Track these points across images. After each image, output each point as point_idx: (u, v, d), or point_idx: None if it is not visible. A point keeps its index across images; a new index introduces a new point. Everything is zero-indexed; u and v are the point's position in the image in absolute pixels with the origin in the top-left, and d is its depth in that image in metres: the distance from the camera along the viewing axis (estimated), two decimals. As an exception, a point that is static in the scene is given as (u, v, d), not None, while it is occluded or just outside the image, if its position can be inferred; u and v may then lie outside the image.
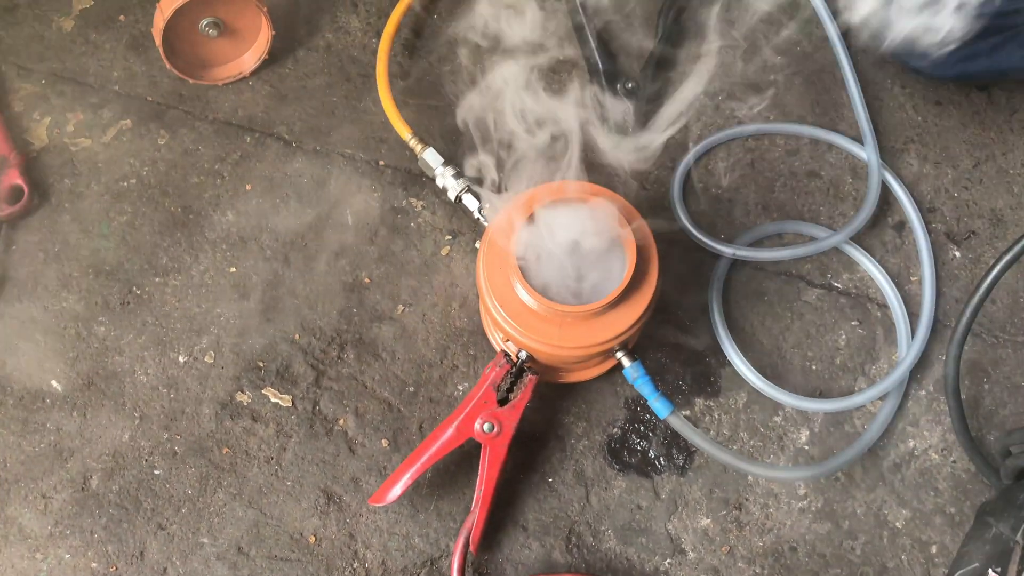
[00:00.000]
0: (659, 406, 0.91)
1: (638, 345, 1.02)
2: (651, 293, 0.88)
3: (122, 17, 1.19)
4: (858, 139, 1.13)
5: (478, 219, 1.02)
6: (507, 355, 0.93)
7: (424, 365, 1.02)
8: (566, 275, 0.89)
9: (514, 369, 0.92)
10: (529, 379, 0.92)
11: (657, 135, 1.02)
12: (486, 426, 0.91)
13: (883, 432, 0.99)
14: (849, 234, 1.05)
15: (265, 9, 1.10)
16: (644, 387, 0.91)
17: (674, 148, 1.14)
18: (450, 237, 1.08)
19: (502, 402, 0.92)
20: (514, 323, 0.88)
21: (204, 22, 1.10)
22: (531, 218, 0.88)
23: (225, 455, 0.98)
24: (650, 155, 1.03)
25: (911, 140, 1.15)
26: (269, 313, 1.04)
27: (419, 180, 1.11)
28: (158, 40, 1.07)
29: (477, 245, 1.07)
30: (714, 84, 1.17)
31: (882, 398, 1.01)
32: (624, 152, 1.01)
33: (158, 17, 1.07)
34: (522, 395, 0.92)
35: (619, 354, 0.91)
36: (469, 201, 1.03)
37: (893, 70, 1.19)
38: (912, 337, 1.03)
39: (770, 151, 1.14)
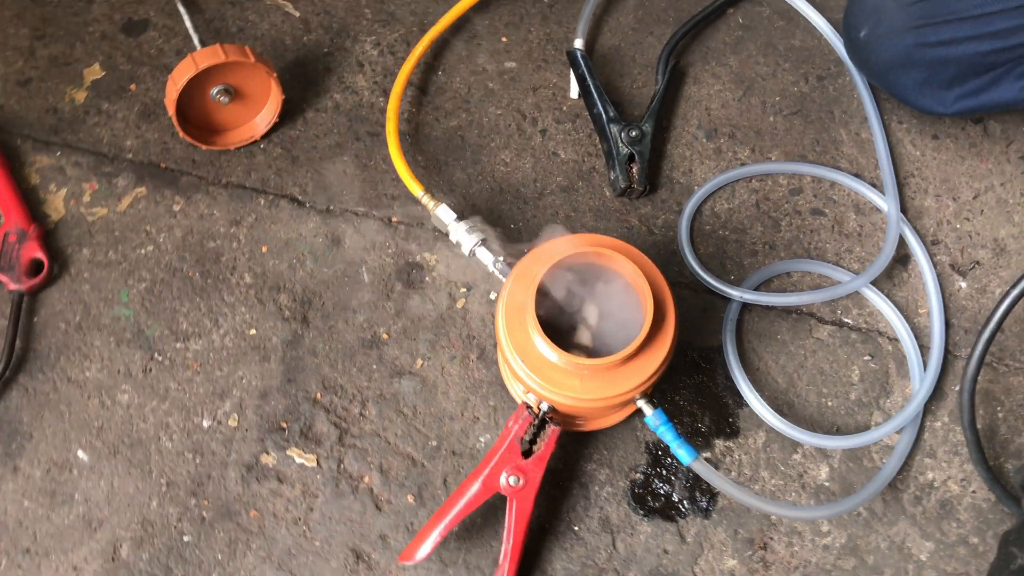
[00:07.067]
0: (682, 453, 0.92)
1: (656, 388, 1.03)
2: (669, 342, 0.89)
3: (133, 86, 1.22)
4: (857, 175, 1.16)
5: (492, 272, 1.04)
6: (529, 407, 0.94)
7: (445, 418, 1.03)
8: (585, 326, 0.91)
9: (536, 421, 0.93)
10: (552, 430, 0.93)
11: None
12: (512, 479, 0.92)
13: (902, 465, 1.00)
14: (870, 278, 1.07)
15: (275, 75, 1.12)
16: (666, 434, 0.93)
17: (680, 192, 1.16)
18: (465, 290, 1.10)
19: (526, 454, 0.93)
20: (535, 376, 0.89)
21: (215, 90, 1.12)
22: (549, 271, 0.90)
23: (253, 518, 0.98)
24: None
25: (911, 174, 1.18)
26: (290, 373, 1.05)
27: (432, 235, 1.13)
28: (171, 110, 1.09)
29: (493, 296, 1.09)
30: (715, 126, 1.20)
31: (899, 432, 1.02)
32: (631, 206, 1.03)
33: (170, 87, 1.09)
34: (546, 447, 0.93)
35: (640, 402, 0.93)
36: (483, 255, 1.04)
37: (890, 106, 1.21)
38: (924, 369, 1.04)
39: (774, 191, 1.16)
